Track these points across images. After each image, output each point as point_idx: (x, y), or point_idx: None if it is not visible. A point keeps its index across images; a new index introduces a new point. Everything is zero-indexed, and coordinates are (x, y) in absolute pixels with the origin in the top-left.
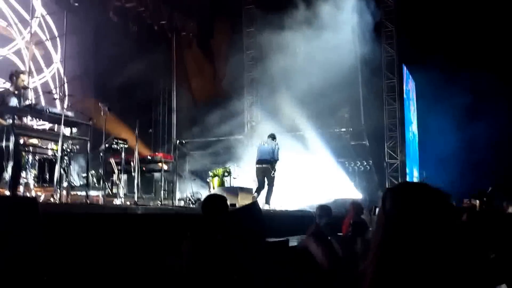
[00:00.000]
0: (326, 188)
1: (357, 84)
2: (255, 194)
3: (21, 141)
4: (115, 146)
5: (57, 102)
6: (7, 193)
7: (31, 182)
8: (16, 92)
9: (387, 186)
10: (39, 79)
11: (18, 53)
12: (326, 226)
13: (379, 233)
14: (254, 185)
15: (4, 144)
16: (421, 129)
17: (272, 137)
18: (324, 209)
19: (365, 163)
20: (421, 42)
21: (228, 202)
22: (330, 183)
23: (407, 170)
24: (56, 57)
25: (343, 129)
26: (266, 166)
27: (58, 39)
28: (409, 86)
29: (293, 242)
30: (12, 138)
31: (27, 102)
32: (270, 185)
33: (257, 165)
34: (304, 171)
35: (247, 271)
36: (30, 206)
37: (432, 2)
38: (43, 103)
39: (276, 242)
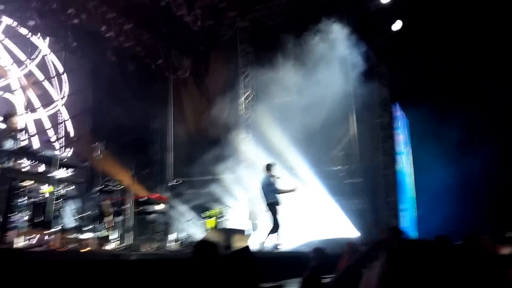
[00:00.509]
0: (321, 227)
1: (352, 122)
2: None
3: (16, 184)
4: (110, 187)
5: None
6: None
7: (24, 225)
8: (9, 134)
9: (383, 226)
10: (33, 119)
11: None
12: (320, 269)
13: None
14: (249, 226)
15: None
16: (415, 166)
17: (266, 168)
18: (318, 252)
19: (361, 201)
20: (414, 79)
21: (223, 244)
22: (325, 222)
23: (401, 207)
24: (58, 95)
25: (339, 167)
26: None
27: (63, 76)
28: (401, 124)
29: (289, 286)
30: (6, 181)
31: (21, 144)
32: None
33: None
34: (299, 210)
35: None
36: (17, 257)
37: (424, 41)
38: (37, 143)
39: (271, 287)
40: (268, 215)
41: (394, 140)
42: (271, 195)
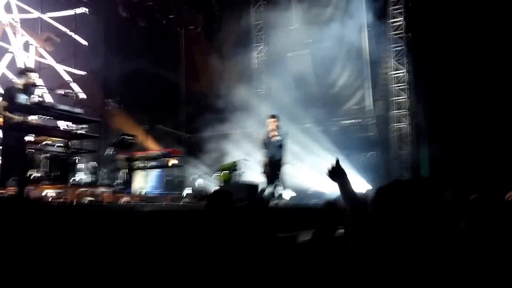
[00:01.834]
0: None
1: (366, 75)
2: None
3: (31, 139)
4: (124, 142)
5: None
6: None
7: (41, 179)
8: (24, 88)
9: (395, 178)
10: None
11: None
12: (333, 221)
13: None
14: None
15: (13, 142)
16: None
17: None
18: (330, 205)
19: (374, 155)
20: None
21: (236, 198)
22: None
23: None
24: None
25: (352, 121)
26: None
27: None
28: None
29: (302, 237)
30: (21, 136)
31: (36, 99)
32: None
33: None
34: (312, 164)
35: (256, 266)
36: (37, 207)
37: None
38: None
39: (284, 237)
40: (271, 173)
41: (409, 94)
42: (281, 152)
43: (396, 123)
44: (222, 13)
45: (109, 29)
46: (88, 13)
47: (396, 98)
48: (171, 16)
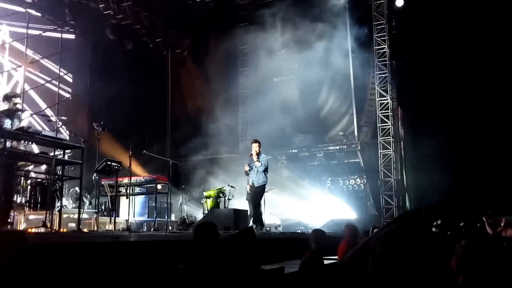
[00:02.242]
0: (320, 208)
1: (351, 102)
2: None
3: (13, 164)
4: (108, 168)
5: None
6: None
7: (23, 205)
8: (8, 114)
9: (382, 206)
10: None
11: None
12: (320, 250)
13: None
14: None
15: None
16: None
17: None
18: (317, 233)
19: (358, 182)
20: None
21: (222, 225)
22: (324, 202)
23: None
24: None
25: (337, 147)
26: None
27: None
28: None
29: (289, 268)
30: (4, 162)
31: (20, 125)
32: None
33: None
34: (298, 190)
35: None
36: (18, 239)
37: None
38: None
39: (272, 269)
40: (254, 199)
41: (392, 121)
42: (263, 177)
43: (382, 149)
44: (209, 37)
45: (95, 52)
46: (74, 35)
47: (381, 124)
48: (158, 40)
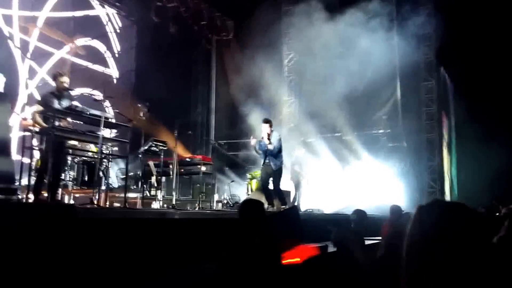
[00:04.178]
0: (364, 191)
1: (396, 85)
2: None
3: (62, 143)
4: (154, 148)
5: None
6: (46, 195)
7: (70, 184)
8: (57, 93)
9: (425, 190)
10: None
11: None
12: (361, 232)
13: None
14: (292, 187)
15: (45, 146)
16: (457, 131)
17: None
18: (359, 214)
19: (403, 165)
20: (460, 44)
21: (265, 206)
22: (369, 186)
23: (445, 173)
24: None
25: (381, 130)
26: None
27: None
28: (446, 88)
29: (332, 248)
30: (53, 141)
31: (68, 104)
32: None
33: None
34: (342, 173)
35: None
36: (68, 212)
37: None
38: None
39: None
40: (275, 181)
41: (437, 105)
42: (280, 158)
43: (426, 133)
44: (254, 20)
45: (141, 34)
46: (120, 17)
47: (426, 108)
48: (203, 23)
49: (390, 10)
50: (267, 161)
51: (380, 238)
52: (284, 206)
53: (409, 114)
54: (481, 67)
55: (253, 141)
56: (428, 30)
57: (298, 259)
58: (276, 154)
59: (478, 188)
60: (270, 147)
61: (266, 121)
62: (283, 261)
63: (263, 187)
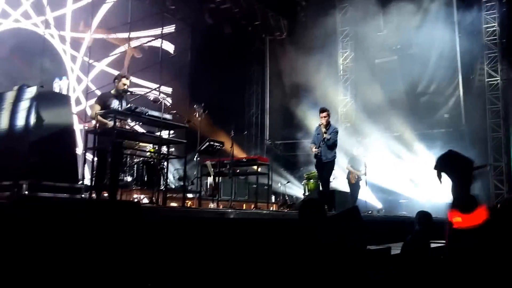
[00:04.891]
0: (427, 192)
1: (458, 83)
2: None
3: (122, 143)
4: (211, 148)
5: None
6: (106, 194)
7: (130, 184)
8: (117, 94)
9: (491, 191)
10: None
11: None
12: (425, 233)
13: None
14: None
15: (105, 146)
16: None
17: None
18: (423, 216)
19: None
20: None
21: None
22: (431, 187)
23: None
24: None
25: (443, 130)
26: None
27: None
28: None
29: (395, 250)
30: (112, 141)
31: (126, 105)
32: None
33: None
34: (402, 174)
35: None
36: (134, 210)
37: None
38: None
39: (378, 249)
40: (324, 176)
41: (503, 102)
42: (332, 151)
43: (491, 132)
44: (308, 19)
45: (195, 36)
46: (175, 19)
47: (490, 106)
48: (257, 23)
49: (450, 2)
50: (318, 154)
51: (444, 242)
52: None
53: (473, 112)
54: None
55: (313, 148)
56: (492, 24)
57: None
58: (330, 146)
59: None
60: (326, 136)
61: (324, 109)
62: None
63: (322, 185)
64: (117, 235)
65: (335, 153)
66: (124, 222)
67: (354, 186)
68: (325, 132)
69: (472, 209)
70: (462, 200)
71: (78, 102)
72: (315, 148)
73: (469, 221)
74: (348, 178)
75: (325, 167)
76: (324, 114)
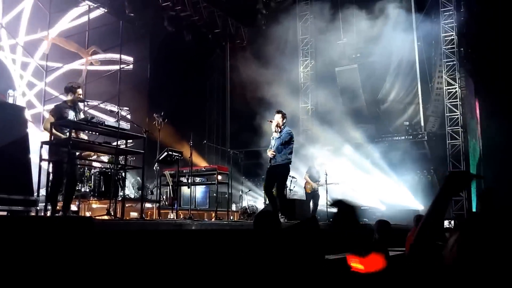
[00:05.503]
0: (385, 199)
1: (417, 91)
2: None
3: (77, 154)
4: (170, 158)
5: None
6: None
7: (87, 194)
8: (72, 105)
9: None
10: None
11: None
12: (384, 242)
13: None
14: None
15: (61, 157)
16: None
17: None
18: (382, 224)
19: (426, 173)
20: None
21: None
22: (389, 194)
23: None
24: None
25: (403, 137)
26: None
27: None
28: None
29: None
30: (68, 152)
31: (82, 115)
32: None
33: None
34: (363, 181)
35: None
36: (85, 226)
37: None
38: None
39: (336, 259)
40: (275, 182)
41: (462, 110)
42: (285, 154)
43: (450, 140)
44: (268, 27)
45: (154, 44)
46: (134, 26)
47: (449, 114)
48: (217, 31)
49: (409, 10)
50: (272, 160)
51: (403, 249)
52: (283, 217)
53: (432, 120)
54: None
55: (270, 153)
56: (450, 33)
57: (362, 268)
58: (282, 149)
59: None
60: (276, 135)
61: (279, 111)
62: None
63: (266, 191)
64: (68, 252)
65: (287, 157)
66: (75, 239)
67: (310, 195)
68: (276, 131)
69: (367, 253)
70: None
71: (31, 106)
72: (271, 152)
73: (367, 265)
74: (304, 187)
75: (276, 171)
76: (279, 115)
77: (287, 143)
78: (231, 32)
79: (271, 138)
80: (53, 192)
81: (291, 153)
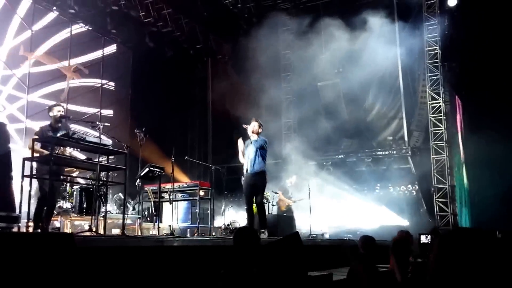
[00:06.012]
0: (370, 214)
1: (401, 105)
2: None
3: (59, 171)
4: (151, 174)
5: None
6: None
7: (69, 211)
8: (54, 125)
9: (436, 213)
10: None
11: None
12: (369, 258)
13: None
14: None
15: (44, 174)
16: (467, 153)
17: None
18: (366, 240)
19: (411, 188)
20: (469, 62)
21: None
22: (373, 209)
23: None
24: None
25: (386, 152)
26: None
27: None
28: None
29: (337, 276)
30: (50, 168)
31: (64, 132)
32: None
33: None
34: (346, 197)
35: None
36: (66, 242)
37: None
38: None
39: (320, 276)
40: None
41: (446, 125)
42: (261, 161)
43: (434, 154)
44: (250, 42)
45: (136, 60)
46: (115, 44)
47: (433, 128)
48: (199, 46)
49: (392, 24)
50: (246, 166)
51: (388, 266)
52: (263, 231)
53: (416, 135)
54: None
55: (240, 143)
56: (434, 47)
57: None
58: (259, 154)
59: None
60: (254, 137)
61: (256, 120)
62: None
63: (247, 202)
64: (49, 269)
65: (264, 164)
66: (55, 255)
67: (284, 213)
68: (253, 135)
69: None
70: None
71: (15, 120)
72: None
73: None
74: (278, 204)
75: (255, 179)
76: (256, 124)
77: (263, 148)
78: (212, 48)
79: (245, 146)
80: (37, 209)
81: (265, 160)
